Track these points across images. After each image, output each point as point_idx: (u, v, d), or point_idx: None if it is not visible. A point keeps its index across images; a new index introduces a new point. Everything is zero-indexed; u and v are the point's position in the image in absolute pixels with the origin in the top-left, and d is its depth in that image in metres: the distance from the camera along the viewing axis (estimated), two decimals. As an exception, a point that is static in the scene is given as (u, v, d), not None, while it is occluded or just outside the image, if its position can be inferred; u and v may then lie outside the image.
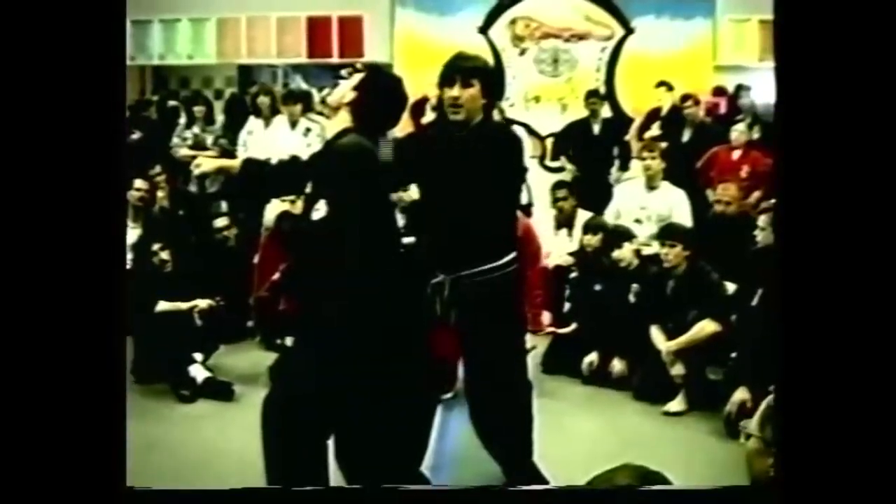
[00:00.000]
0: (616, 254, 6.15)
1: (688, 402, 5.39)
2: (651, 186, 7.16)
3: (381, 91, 3.44)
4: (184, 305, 6.12)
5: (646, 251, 6.27)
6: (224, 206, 8.06)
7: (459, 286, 3.74)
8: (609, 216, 7.17)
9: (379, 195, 3.35)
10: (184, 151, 8.44)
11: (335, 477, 3.43)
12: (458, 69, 3.76)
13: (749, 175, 7.66)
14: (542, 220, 7.41)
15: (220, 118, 9.09)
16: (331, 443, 3.44)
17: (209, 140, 8.70)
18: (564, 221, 7.44)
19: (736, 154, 7.98)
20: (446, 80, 3.78)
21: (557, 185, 7.66)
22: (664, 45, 10.31)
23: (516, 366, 4.06)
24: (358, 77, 3.41)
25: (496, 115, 5.29)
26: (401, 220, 3.76)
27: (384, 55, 10.18)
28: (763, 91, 9.56)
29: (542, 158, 9.67)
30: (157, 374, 5.85)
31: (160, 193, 7.76)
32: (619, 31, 10.45)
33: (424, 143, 3.98)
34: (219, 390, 5.67)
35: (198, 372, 5.76)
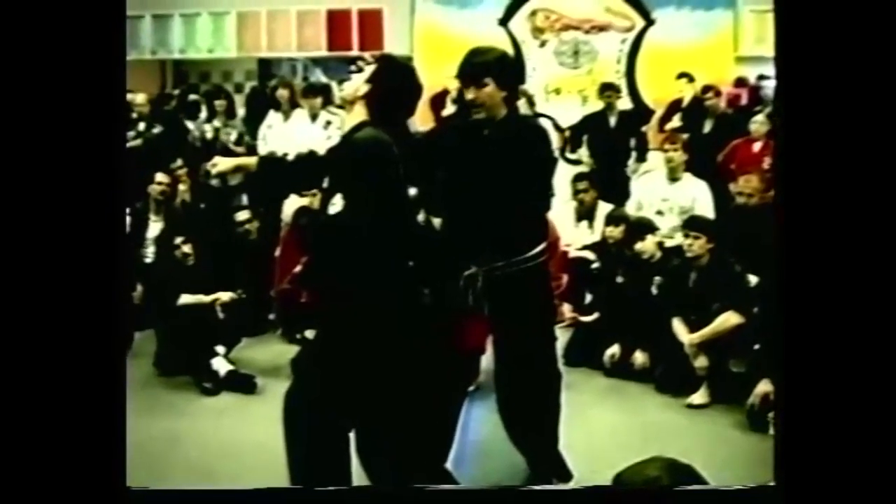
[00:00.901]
0: (638, 246, 6.13)
1: (710, 394, 5.37)
2: (673, 178, 7.14)
3: (395, 81, 3.42)
4: (206, 298, 6.14)
5: (668, 243, 6.25)
6: (245, 199, 8.08)
7: (492, 277, 3.75)
8: (631, 208, 7.16)
9: (397, 188, 3.35)
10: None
11: (357, 471, 3.43)
12: (469, 71, 3.75)
13: (771, 166, 7.61)
14: (562, 212, 7.39)
15: (240, 112, 9.11)
16: (353, 436, 3.44)
17: (233, 135, 8.73)
18: (585, 213, 7.42)
19: (757, 146, 7.94)
20: (461, 81, 3.78)
21: (578, 178, 7.63)
22: (685, 37, 10.28)
23: (548, 356, 4.07)
24: (370, 69, 3.40)
25: (524, 106, 5.26)
26: (422, 214, 3.75)
27: (404, 48, 10.17)
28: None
29: (562, 151, 9.65)
30: (181, 367, 5.87)
31: (182, 187, 7.78)
32: (640, 23, 10.42)
33: (452, 135, 3.97)
34: (241, 383, 5.69)
35: (220, 365, 5.78)
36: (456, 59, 3.86)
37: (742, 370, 5.37)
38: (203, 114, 8.99)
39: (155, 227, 7.26)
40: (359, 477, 3.41)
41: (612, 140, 8.91)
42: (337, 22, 10.71)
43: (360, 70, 3.43)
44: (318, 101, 8.21)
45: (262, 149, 8.34)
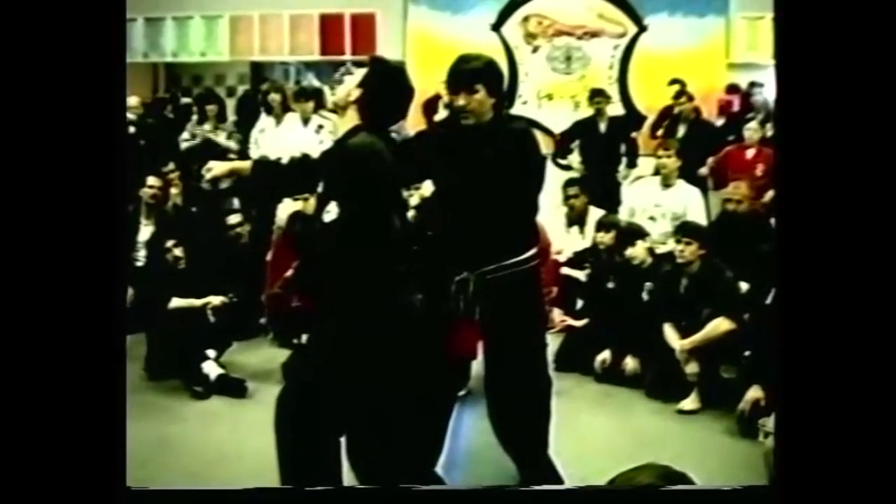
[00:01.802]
0: (629, 251, 6.14)
1: (701, 400, 5.38)
2: (666, 184, 7.15)
3: (387, 85, 3.41)
4: (197, 302, 6.14)
5: (659, 249, 6.27)
6: (237, 203, 8.07)
7: (484, 282, 3.75)
8: (623, 214, 7.18)
9: (390, 193, 3.35)
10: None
11: (348, 475, 3.42)
12: (459, 78, 3.75)
13: (763, 173, 7.64)
14: (553, 217, 7.40)
15: (231, 116, 9.11)
16: (343, 441, 3.44)
17: (222, 137, 8.73)
18: (576, 219, 7.44)
19: (750, 153, 7.98)
20: (450, 88, 3.78)
21: (569, 183, 7.65)
22: (677, 43, 10.29)
23: (538, 361, 4.07)
24: (361, 73, 3.39)
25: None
26: (414, 217, 3.75)
27: (397, 53, 10.16)
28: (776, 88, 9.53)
29: (553, 156, 9.67)
30: (171, 371, 5.86)
31: (174, 190, 7.78)
32: (633, 29, 10.43)
33: (440, 140, 3.97)
34: (232, 387, 5.68)
35: (211, 369, 5.77)
36: (448, 64, 3.86)
37: (733, 376, 5.39)
38: (194, 117, 8.98)
39: (146, 231, 7.25)
40: (349, 481, 3.41)
41: (602, 146, 8.93)
42: (329, 26, 10.71)
43: (349, 73, 3.43)
44: (310, 105, 8.20)
45: (254, 152, 8.32)
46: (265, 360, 6.15)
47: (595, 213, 7.20)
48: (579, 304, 6.59)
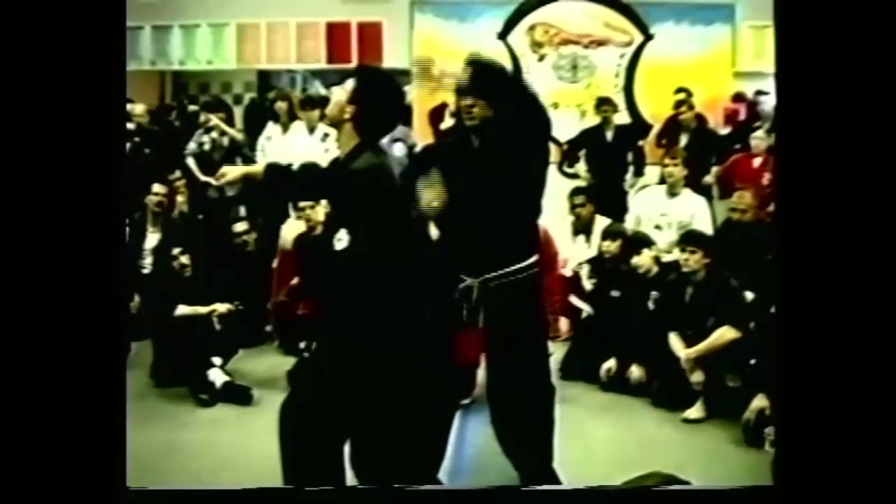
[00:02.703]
0: (635, 260, 6.14)
1: (707, 409, 5.37)
2: (672, 193, 7.14)
3: (377, 95, 3.42)
4: (203, 310, 6.14)
5: (665, 258, 6.26)
6: (243, 210, 8.08)
7: (487, 289, 3.75)
8: (629, 222, 7.17)
9: (397, 211, 3.35)
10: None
11: (351, 482, 3.42)
12: (468, 76, 3.76)
13: (770, 182, 7.62)
14: (559, 226, 7.39)
15: (238, 123, 9.12)
16: (347, 448, 3.44)
17: (225, 141, 8.74)
18: (582, 228, 7.43)
19: (756, 161, 7.97)
20: (458, 88, 3.78)
21: (575, 192, 7.64)
22: (683, 52, 10.28)
23: (540, 369, 4.07)
24: (350, 87, 3.40)
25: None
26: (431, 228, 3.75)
27: (403, 61, 10.18)
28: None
29: (560, 165, 9.66)
30: (177, 378, 5.87)
31: (180, 198, 7.78)
32: (639, 38, 10.42)
33: (442, 151, 3.98)
34: (238, 394, 5.68)
35: (217, 376, 5.77)
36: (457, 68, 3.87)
37: (738, 385, 5.37)
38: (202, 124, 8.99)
39: (152, 238, 7.26)
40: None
41: (609, 154, 8.93)
42: (336, 34, 10.72)
43: (339, 82, 3.44)
44: (316, 113, 8.20)
45: (261, 160, 8.34)
46: (271, 368, 6.15)
47: (602, 222, 7.19)
48: (584, 313, 6.58)
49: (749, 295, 5.70)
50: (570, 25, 10.49)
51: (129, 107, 8.52)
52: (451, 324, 3.72)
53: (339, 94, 3.40)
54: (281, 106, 8.46)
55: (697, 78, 9.70)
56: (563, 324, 6.46)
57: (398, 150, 7.38)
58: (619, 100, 10.02)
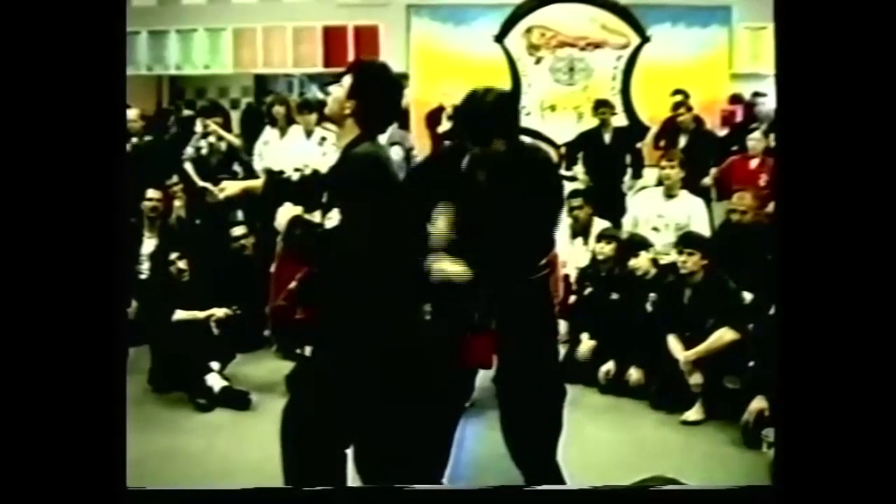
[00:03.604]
0: (633, 262, 6.14)
1: (705, 410, 5.36)
2: (669, 195, 7.14)
3: (376, 88, 3.42)
4: (201, 314, 6.14)
5: (663, 260, 6.26)
6: (240, 215, 8.07)
7: (503, 292, 3.74)
8: (627, 224, 7.18)
9: (396, 204, 3.35)
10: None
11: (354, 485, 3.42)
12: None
13: (767, 183, 7.63)
14: (557, 229, 7.38)
15: (236, 128, 9.11)
16: (350, 452, 3.43)
17: (223, 146, 8.73)
18: (580, 230, 7.42)
19: (754, 163, 7.97)
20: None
21: (573, 194, 7.63)
22: (680, 54, 10.29)
23: (553, 371, 4.08)
24: (348, 83, 3.40)
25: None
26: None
27: (400, 64, 10.18)
28: (779, 99, 9.52)
29: (557, 167, 9.67)
30: (175, 383, 5.86)
31: (177, 203, 7.77)
32: (635, 40, 10.44)
33: (457, 158, 3.94)
34: (236, 399, 5.68)
35: (215, 381, 5.76)
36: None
37: (737, 387, 5.37)
38: (199, 130, 8.98)
39: (149, 244, 7.26)
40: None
41: (607, 157, 8.94)
42: (333, 38, 10.73)
43: (335, 82, 3.44)
44: (313, 117, 8.20)
45: (258, 164, 8.34)
46: (269, 373, 6.14)
47: (599, 225, 7.19)
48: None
49: (748, 296, 5.71)
50: (567, 28, 10.50)
51: (125, 112, 8.52)
52: (460, 326, 3.71)
53: (338, 91, 3.41)
54: (278, 110, 8.46)
55: (694, 80, 9.71)
56: (563, 326, 6.45)
57: (396, 153, 7.38)
58: (617, 102, 10.03)
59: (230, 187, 3.69)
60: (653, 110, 9.82)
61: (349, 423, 3.34)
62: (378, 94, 3.41)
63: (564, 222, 7.38)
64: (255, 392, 5.76)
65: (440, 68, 9.98)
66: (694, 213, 7.03)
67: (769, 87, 9.83)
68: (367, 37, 10.65)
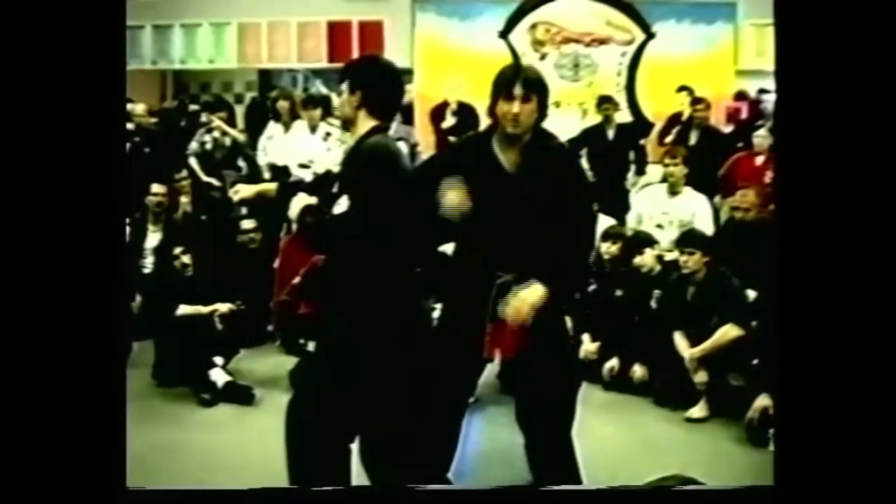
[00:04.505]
0: (637, 259, 6.14)
1: (710, 408, 5.36)
2: (673, 192, 7.13)
3: (373, 74, 3.45)
4: (205, 309, 6.13)
5: (667, 257, 6.25)
6: (244, 210, 8.07)
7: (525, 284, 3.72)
8: (631, 221, 7.17)
9: (406, 195, 3.35)
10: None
11: (359, 481, 3.41)
12: (517, 84, 3.72)
13: (773, 180, 7.60)
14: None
15: (240, 123, 9.12)
16: (355, 447, 3.43)
17: (227, 141, 8.73)
18: (585, 226, 7.40)
19: (759, 160, 7.95)
20: (503, 93, 3.74)
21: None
22: (685, 50, 10.29)
23: (571, 359, 4.10)
24: (346, 81, 3.42)
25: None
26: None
27: (405, 60, 10.18)
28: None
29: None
30: (178, 378, 5.85)
31: (183, 198, 7.78)
32: (640, 36, 10.44)
33: (480, 148, 3.90)
34: (239, 394, 5.68)
35: (218, 376, 5.76)
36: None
37: (741, 384, 5.36)
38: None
39: (153, 238, 7.27)
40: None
41: (611, 153, 8.92)
42: (337, 33, 10.73)
43: (339, 78, 3.47)
44: (318, 112, 8.20)
45: (262, 159, 8.35)
46: (273, 368, 6.15)
47: (604, 222, 7.17)
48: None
49: (751, 293, 5.69)
50: (572, 24, 10.50)
51: (129, 106, 8.53)
52: (476, 319, 3.69)
53: (342, 95, 3.45)
54: (282, 105, 8.46)
55: (699, 76, 9.70)
56: (568, 322, 6.44)
57: (401, 148, 7.38)
58: (621, 98, 10.03)
59: (244, 190, 3.69)
60: (657, 107, 9.82)
61: (354, 417, 3.34)
62: (377, 79, 3.43)
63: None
64: (259, 387, 5.75)
65: (445, 64, 9.98)
66: (698, 210, 7.03)
67: (774, 84, 9.82)
68: (371, 32, 10.65)
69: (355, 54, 10.49)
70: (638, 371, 5.89)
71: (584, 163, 8.95)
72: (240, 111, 10.28)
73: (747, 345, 5.35)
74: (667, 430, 5.25)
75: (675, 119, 8.96)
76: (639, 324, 6.00)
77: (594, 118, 9.48)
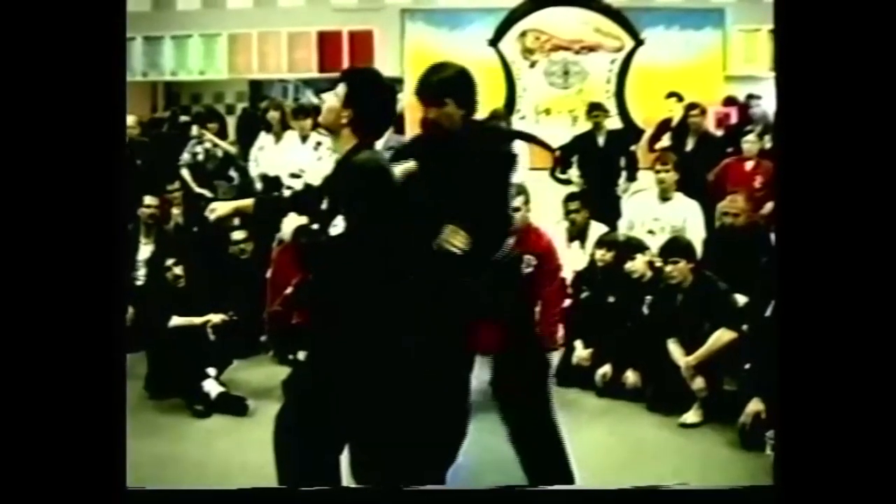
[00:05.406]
0: (629, 265, 6.14)
1: (703, 413, 5.37)
2: (664, 198, 7.14)
3: (370, 95, 3.41)
4: (197, 320, 6.13)
5: (659, 263, 6.25)
6: (237, 220, 8.07)
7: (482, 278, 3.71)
8: (622, 227, 7.17)
9: (395, 206, 3.35)
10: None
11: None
12: (427, 90, 3.68)
13: (762, 186, 7.64)
14: (554, 232, 7.38)
15: (231, 134, 9.13)
16: (345, 459, 3.43)
17: (219, 152, 8.73)
18: (577, 234, 7.40)
19: (748, 165, 7.98)
20: (420, 101, 3.70)
21: (569, 198, 7.61)
22: (674, 57, 10.33)
23: (542, 354, 4.20)
24: (342, 91, 3.38)
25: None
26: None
27: (394, 69, 10.20)
28: (774, 101, 9.54)
29: (552, 170, 9.67)
30: (171, 390, 5.85)
31: (175, 210, 7.78)
32: (629, 43, 10.47)
33: (426, 146, 3.89)
34: (233, 405, 5.67)
35: (211, 387, 5.76)
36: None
37: (734, 389, 5.37)
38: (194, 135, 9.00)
39: (146, 250, 7.27)
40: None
41: (601, 160, 8.94)
42: (327, 43, 10.76)
43: (330, 88, 3.44)
44: (308, 122, 8.19)
45: (254, 170, 8.35)
46: (266, 378, 6.14)
47: (596, 228, 7.18)
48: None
49: (741, 299, 5.71)
50: (561, 31, 10.53)
51: (120, 118, 8.51)
52: (469, 313, 3.69)
53: (332, 100, 3.38)
54: (273, 115, 8.46)
55: (688, 82, 9.73)
56: (561, 332, 6.44)
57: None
58: (611, 105, 10.06)
59: (220, 208, 3.67)
60: (647, 113, 9.85)
61: (344, 427, 3.34)
62: (373, 101, 3.40)
63: (561, 225, 7.38)
64: (252, 398, 5.75)
65: (435, 73, 9.99)
66: (689, 216, 7.03)
67: (764, 89, 9.88)
68: (361, 42, 10.67)
69: (345, 64, 10.52)
70: (631, 377, 5.89)
71: (575, 170, 9.01)
72: (231, 122, 10.28)
73: (739, 350, 5.36)
74: (660, 436, 5.26)
75: (664, 125, 8.99)
76: (631, 330, 6.00)
77: (584, 125, 9.50)
